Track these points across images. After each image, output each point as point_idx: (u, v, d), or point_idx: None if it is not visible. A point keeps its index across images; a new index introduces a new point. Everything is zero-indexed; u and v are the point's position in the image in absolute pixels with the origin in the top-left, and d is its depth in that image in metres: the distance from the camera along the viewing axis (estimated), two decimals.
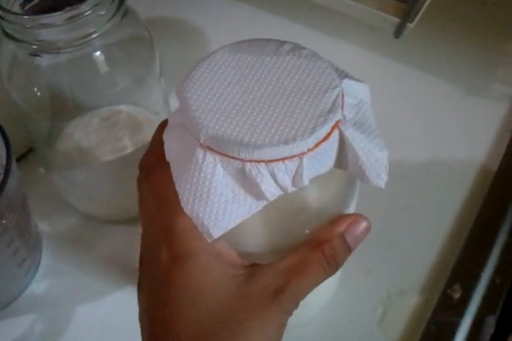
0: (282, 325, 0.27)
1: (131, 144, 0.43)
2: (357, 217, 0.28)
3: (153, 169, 0.28)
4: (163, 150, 0.27)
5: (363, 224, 0.28)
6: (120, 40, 0.37)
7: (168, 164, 0.26)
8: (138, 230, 0.30)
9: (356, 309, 0.42)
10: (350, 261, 0.37)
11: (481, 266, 0.42)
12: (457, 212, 0.46)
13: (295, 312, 0.35)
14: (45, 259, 0.44)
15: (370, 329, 0.41)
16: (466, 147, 0.50)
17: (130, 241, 0.43)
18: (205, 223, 0.24)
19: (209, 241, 0.25)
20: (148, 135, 0.39)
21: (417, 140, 0.50)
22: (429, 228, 0.45)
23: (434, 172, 0.48)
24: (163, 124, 0.28)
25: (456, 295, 0.41)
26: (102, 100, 0.41)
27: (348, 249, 0.28)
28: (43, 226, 0.45)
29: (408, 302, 0.42)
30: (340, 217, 0.28)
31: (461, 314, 0.40)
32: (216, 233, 0.24)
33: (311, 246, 0.27)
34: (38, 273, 0.43)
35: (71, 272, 0.44)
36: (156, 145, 0.28)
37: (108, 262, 0.44)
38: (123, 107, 0.43)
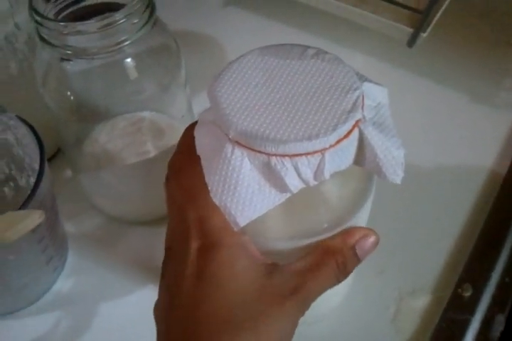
0: (295, 323, 0.28)
1: (153, 149, 0.44)
2: (368, 231, 0.30)
3: (182, 167, 0.29)
4: (190, 152, 0.28)
5: (372, 239, 0.30)
6: (149, 48, 0.39)
7: (195, 163, 0.28)
8: (161, 231, 0.31)
9: (369, 308, 0.43)
10: (364, 261, 0.38)
11: (490, 266, 0.43)
12: (467, 215, 0.47)
13: (311, 309, 0.37)
14: (71, 258, 0.45)
15: (383, 327, 0.42)
16: (475, 153, 0.51)
17: (153, 242, 0.44)
18: (233, 212, 0.26)
19: (235, 229, 0.26)
20: (170, 140, 0.40)
21: (427, 146, 0.51)
22: (440, 230, 0.46)
23: (444, 177, 0.50)
24: (190, 128, 0.30)
25: (467, 294, 0.42)
26: (128, 105, 0.43)
27: (357, 260, 0.30)
28: (69, 227, 0.46)
29: (420, 301, 0.43)
30: (353, 229, 0.30)
31: (471, 312, 0.41)
32: (242, 222, 0.26)
33: (326, 254, 0.29)
34: (64, 272, 0.45)
35: (95, 271, 0.45)
36: (184, 147, 0.30)
37: (132, 262, 0.45)
38: (146, 114, 0.45)
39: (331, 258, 0.29)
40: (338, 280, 0.29)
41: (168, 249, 0.30)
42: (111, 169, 0.45)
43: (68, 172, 0.50)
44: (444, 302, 0.42)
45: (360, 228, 0.30)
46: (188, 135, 0.29)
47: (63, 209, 0.44)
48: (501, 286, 0.42)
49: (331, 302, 0.41)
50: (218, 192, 0.26)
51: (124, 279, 0.44)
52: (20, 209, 0.35)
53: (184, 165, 0.29)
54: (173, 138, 0.45)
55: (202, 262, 0.27)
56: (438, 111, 0.54)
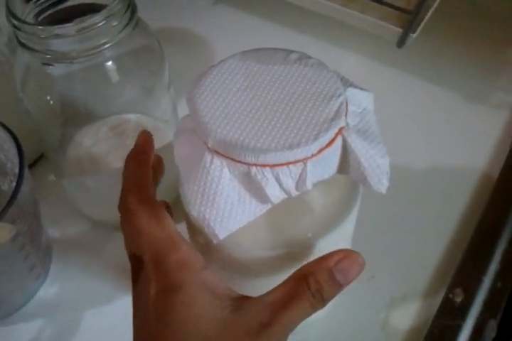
0: None
1: None
2: (348, 252, 0.27)
3: (134, 212, 0.29)
4: (140, 187, 0.28)
5: (355, 260, 0.27)
6: (131, 50, 0.38)
7: (145, 199, 0.28)
8: None
9: (360, 313, 0.42)
10: None
11: (482, 271, 0.42)
12: (459, 218, 0.46)
13: None
14: (55, 265, 0.45)
15: (374, 333, 0.41)
16: (467, 154, 0.50)
17: None
18: (211, 224, 0.25)
19: (215, 242, 0.26)
20: (156, 143, 0.39)
21: (418, 147, 0.51)
22: (431, 233, 0.46)
23: (436, 178, 0.49)
24: (131, 161, 0.30)
25: (458, 299, 0.41)
26: (112, 109, 0.42)
27: (337, 285, 0.27)
28: (53, 232, 0.46)
29: (411, 306, 0.42)
30: (331, 252, 0.27)
31: (463, 318, 0.41)
32: (222, 234, 0.25)
33: (298, 279, 0.27)
34: (48, 279, 0.44)
35: (80, 278, 0.44)
36: (131, 186, 0.29)
37: (117, 268, 0.44)
38: (131, 116, 0.44)
39: (303, 286, 0.26)
40: (315, 309, 0.27)
41: (133, 292, 0.29)
42: (95, 174, 0.44)
43: (52, 178, 0.49)
44: (435, 307, 0.42)
45: (340, 250, 0.27)
46: (131, 169, 0.29)
47: (47, 215, 0.43)
48: (493, 291, 0.42)
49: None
50: (197, 204, 0.26)
51: (109, 286, 0.44)
52: (0, 215, 0.34)
53: (136, 209, 0.29)
54: (159, 140, 0.44)
55: (162, 306, 0.26)
56: (430, 111, 0.53)
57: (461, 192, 0.48)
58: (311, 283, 0.26)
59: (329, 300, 0.27)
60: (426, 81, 0.55)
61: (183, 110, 0.45)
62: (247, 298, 0.27)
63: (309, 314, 0.26)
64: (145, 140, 0.32)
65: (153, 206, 0.28)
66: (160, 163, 0.34)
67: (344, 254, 0.27)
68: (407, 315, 0.42)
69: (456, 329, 0.40)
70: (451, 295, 0.42)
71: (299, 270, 0.27)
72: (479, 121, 0.53)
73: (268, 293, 0.26)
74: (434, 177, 0.49)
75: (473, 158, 0.50)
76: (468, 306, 0.41)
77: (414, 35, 0.47)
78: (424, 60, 0.56)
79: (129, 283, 0.43)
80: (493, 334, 0.40)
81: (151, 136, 0.33)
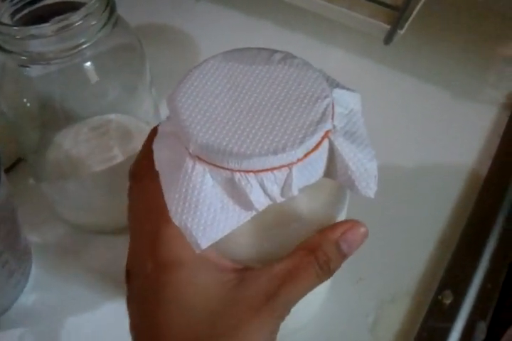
0: (274, 331, 0.26)
1: (121, 153, 0.43)
2: (353, 223, 0.28)
3: (143, 177, 0.28)
4: (153, 159, 0.27)
5: (360, 230, 0.28)
6: (110, 49, 0.37)
7: (157, 173, 0.26)
8: (128, 241, 0.29)
9: (348, 316, 0.42)
10: (342, 269, 0.37)
11: (471, 272, 0.42)
12: (447, 218, 0.46)
13: (287, 319, 0.35)
14: (35, 271, 0.44)
15: (362, 336, 0.41)
16: (455, 152, 0.50)
17: (120, 252, 0.42)
18: (194, 233, 0.24)
19: (197, 252, 0.25)
20: (139, 144, 0.39)
21: (406, 145, 0.50)
22: (420, 234, 0.45)
23: (424, 177, 0.48)
24: (154, 131, 0.28)
25: (448, 301, 0.41)
26: (92, 110, 0.41)
27: (343, 256, 0.27)
28: (32, 238, 0.45)
29: (399, 308, 0.42)
30: (336, 223, 0.28)
31: (452, 320, 0.40)
32: (204, 244, 0.24)
33: (305, 252, 0.27)
34: (28, 285, 0.43)
35: (61, 283, 0.43)
36: (147, 152, 0.28)
37: (98, 273, 0.43)
38: (113, 116, 0.43)
39: (311, 258, 0.26)
40: (321, 281, 0.27)
41: (127, 267, 0.29)
42: (76, 177, 0.43)
43: (31, 181, 0.48)
44: (424, 309, 0.41)
45: (344, 221, 0.28)
46: (152, 140, 0.28)
47: (26, 220, 0.42)
48: (483, 293, 0.41)
49: (308, 311, 0.40)
50: (178, 212, 0.24)
51: (91, 292, 0.43)
52: None
53: (145, 175, 0.28)
54: (142, 141, 0.43)
55: (161, 284, 0.26)
56: (418, 108, 0.53)
57: (450, 190, 0.47)
58: (319, 255, 0.26)
59: (335, 271, 0.27)
60: (414, 78, 0.55)
61: (165, 111, 0.44)
62: (252, 269, 0.26)
63: (315, 286, 0.27)
64: None
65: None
66: None
67: (349, 225, 0.27)
68: (396, 318, 0.41)
69: (446, 332, 0.40)
70: (440, 297, 0.41)
71: (305, 242, 0.27)
72: (468, 118, 0.52)
73: (273, 265, 0.26)
74: (422, 176, 0.48)
75: (462, 155, 0.50)
76: (457, 308, 0.41)
77: (402, 32, 0.47)
78: (412, 56, 0.56)
79: (111, 289, 0.42)
80: (482, 336, 0.40)
81: None
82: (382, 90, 0.53)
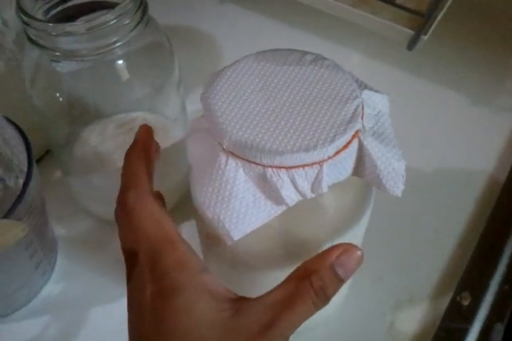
0: None
1: None
2: (348, 246, 0.26)
3: (133, 206, 0.28)
4: (136, 183, 0.28)
5: (355, 254, 0.26)
6: (141, 48, 0.38)
7: (143, 195, 0.27)
8: None
9: (366, 315, 0.42)
10: (360, 268, 0.37)
11: (489, 274, 0.42)
12: (466, 221, 0.46)
13: None
14: (60, 262, 0.44)
15: (380, 335, 0.41)
16: (474, 158, 0.50)
17: None
18: (226, 226, 0.25)
19: (229, 243, 0.25)
20: (163, 142, 0.40)
21: (426, 150, 0.50)
22: (439, 236, 0.45)
23: (443, 181, 0.49)
24: (130, 156, 0.29)
25: (465, 303, 0.41)
26: (120, 107, 0.42)
27: (339, 280, 0.26)
28: (58, 229, 0.45)
29: (417, 309, 0.42)
30: (330, 248, 0.26)
31: (470, 321, 0.40)
32: (237, 235, 0.25)
33: (299, 278, 0.26)
34: (53, 276, 0.44)
35: (85, 274, 0.44)
36: (131, 181, 0.29)
37: (123, 266, 0.43)
38: (139, 114, 0.44)
39: (306, 284, 0.25)
40: (317, 308, 0.26)
41: (128, 292, 0.28)
42: (102, 172, 0.43)
43: (58, 174, 0.49)
44: (442, 310, 0.41)
45: (340, 244, 0.26)
46: (131, 165, 0.29)
47: (53, 212, 0.43)
48: (500, 295, 0.41)
49: (325, 310, 0.40)
50: (211, 205, 0.25)
51: (115, 283, 0.43)
52: (8, 213, 0.34)
53: (136, 204, 0.28)
54: (167, 139, 0.43)
55: (159, 310, 0.25)
56: (437, 114, 0.53)
57: (469, 195, 0.48)
58: (314, 281, 0.25)
59: (331, 298, 0.26)
60: (433, 83, 0.55)
61: (192, 109, 0.45)
62: (247, 299, 0.26)
63: (312, 314, 0.26)
64: (145, 134, 0.31)
65: (152, 203, 0.28)
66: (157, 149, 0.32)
67: (343, 248, 0.26)
68: (414, 318, 0.42)
69: (463, 333, 0.40)
70: (458, 299, 0.41)
71: (299, 269, 0.26)
72: (487, 125, 0.52)
73: (268, 294, 0.26)
74: (441, 181, 0.49)
75: (480, 161, 0.50)
76: (475, 309, 0.41)
77: (426, 38, 0.47)
78: (431, 62, 0.56)
79: None
80: (499, 338, 0.40)
81: (152, 130, 0.32)
82: (401, 95, 0.53)
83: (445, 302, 0.42)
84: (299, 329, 0.39)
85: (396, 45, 0.50)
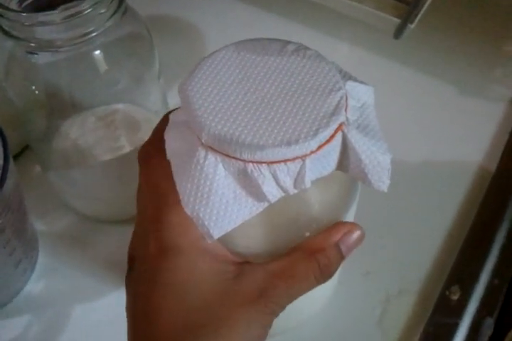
0: (266, 325, 0.26)
1: (128, 144, 0.42)
2: (352, 226, 0.28)
3: (151, 160, 0.28)
4: (163, 140, 0.26)
5: (357, 233, 0.28)
6: (119, 38, 0.37)
7: (164, 160, 0.26)
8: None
9: (355, 309, 0.41)
10: (349, 262, 0.37)
11: (479, 267, 0.42)
12: (455, 213, 0.46)
13: (294, 312, 0.35)
14: (42, 259, 0.44)
15: (369, 329, 0.41)
16: (464, 148, 0.50)
17: (127, 241, 0.43)
18: (206, 223, 0.24)
19: (209, 241, 0.24)
20: (145, 134, 0.39)
21: (414, 141, 0.50)
22: (428, 229, 0.45)
23: (432, 173, 0.48)
24: (165, 119, 0.28)
25: (455, 297, 0.41)
26: (99, 99, 0.41)
27: (341, 258, 0.28)
28: (39, 226, 0.45)
29: (407, 303, 0.42)
30: (335, 226, 0.28)
31: (459, 315, 0.40)
32: (217, 234, 0.24)
33: (305, 253, 0.27)
34: (35, 274, 0.43)
35: (68, 272, 0.43)
36: (155, 138, 0.28)
37: (105, 262, 0.43)
38: (120, 106, 0.43)
39: (312, 260, 0.26)
40: (318, 283, 0.27)
41: (129, 248, 0.29)
42: (82, 166, 0.43)
43: (37, 170, 0.48)
44: (431, 304, 0.41)
45: (344, 223, 0.28)
46: (164, 123, 0.27)
47: (33, 208, 0.42)
48: (490, 289, 0.41)
49: (315, 304, 0.40)
50: (190, 202, 0.24)
51: (97, 281, 0.43)
52: None
53: (153, 157, 0.27)
54: (149, 132, 0.42)
55: (160, 268, 0.26)
56: (426, 104, 0.52)
57: (458, 186, 0.47)
58: (320, 259, 0.26)
59: (333, 275, 0.28)
60: (421, 73, 0.54)
61: (173, 101, 0.44)
62: (250, 264, 0.27)
63: (311, 288, 0.27)
64: None
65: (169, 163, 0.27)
66: None
67: (348, 228, 0.27)
68: (403, 312, 0.41)
69: (453, 327, 0.40)
70: (447, 293, 0.41)
71: (306, 243, 0.27)
72: (476, 114, 0.52)
73: (271, 262, 0.27)
74: (430, 172, 0.48)
75: (470, 151, 0.49)
76: (464, 304, 0.41)
77: (412, 26, 0.46)
78: (420, 51, 0.55)
79: (117, 278, 0.42)
80: (489, 332, 0.40)
81: None
82: (388, 85, 0.52)
83: (434, 296, 0.41)
84: (290, 324, 0.39)
85: (383, 34, 0.49)
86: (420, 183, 0.47)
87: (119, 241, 0.43)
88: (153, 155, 0.28)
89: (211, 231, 0.24)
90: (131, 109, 0.43)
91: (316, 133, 0.24)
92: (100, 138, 0.43)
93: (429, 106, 0.52)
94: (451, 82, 0.53)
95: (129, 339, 0.28)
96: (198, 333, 0.25)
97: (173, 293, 0.26)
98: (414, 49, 0.55)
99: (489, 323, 0.40)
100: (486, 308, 0.40)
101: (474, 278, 0.41)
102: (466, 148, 0.50)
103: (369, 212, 0.42)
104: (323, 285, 0.28)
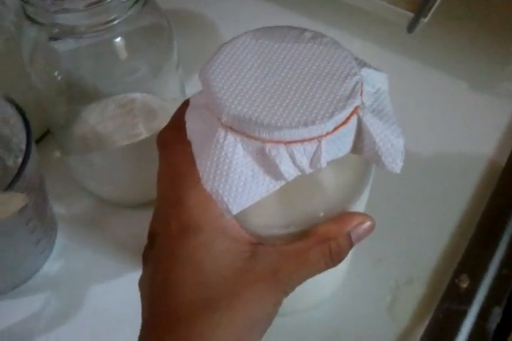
0: (277, 303, 0.28)
1: (145, 131, 0.43)
2: (364, 217, 0.29)
3: (169, 143, 0.29)
4: (181, 126, 0.27)
5: (368, 224, 0.29)
6: (140, 28, 0.38)
7: (184, 139, 0.27)
8: (150, 215, 0.30)
9: (365, 296, 0.42)
10: (361, 250, 0.37)
11: (488, 257, 0.42)
12: (465, 205, 0.46)
13: (305, 295, 0.36)
14: (60, 240, 0.45)
15: (379, 316, 0.41)
16: (474, 142, 0.50)
17: (142, 225, 0.44)
18: (225, 199, 0.25)
19: (227, 217, 0.26)
20: (162, 123, 0.40)
21: (426, 134, 0.50)
22: (439, 218, 0.46)
23: (443, 165, 0.49)
24: (187, 102, 0.29)
25: (464, 285, 0.41)
26: (118, 87, 0.42)
27: (351, 246, 0.29)
28: (58, 209, 0.46)
29: (416, 290, 0.42)
30: (349, 215, 0.29)
31: (468, 303, 0.41)
32: (235, 209, 0.25)
33: (319, 239, 0.28)
34: (53, 254, 0.44)
35: (84, 253, 0.44)
36: (175, 122, 0.29)
37: (120, 244, 0.44)
38: (138, 95, 0.44)
39: (324, 246, 0.28)
40: (328, 267, 0.29)
41: (150, 228, 0.30)
42: (101, 152, 0.43)
43: (57, 154, 0.49)
44: (440, 292, 0.42)
45: (357, 214, 0.29)
46: (183, 109, 0.28)
47: (52, 191, 0.43)
48: (499, 278, 0.41)
49: (325, 290, 0.41)
50: (210, 179, 0.25)
51: (113, 262, 0.44)
52: (6, 190, 0.34)
53: (172, 141, 0.29)
54: (165, 120, 0.43)
55: (180, 245, 0.27)
56: (437, 99, 0.53)
57: (469, 179, 0.48)
58: (332, 246, 0.28)
59: (342, 261, 0.29)
60: (433, 67, 0.55)
61: (191, 91, 0.45)
62: (264, 245, 0.28)
63: (321, 271, 0.28)
64: None
65: (189, 146, 0.28)
66: None
67: (361, 220, 0.29)
68: (413, 299, 0.42)
69: (461, 315, 0.40)
70: (456, 281, 0.42)
71: (320, 229, 0.28)
72: (486, 110, 0.52)
73: (285, 245, 0.28)
74: (441, 165, 0.49)
75: (480, 146, 0.50)
76: (473, 292, 0.41)
77: (426, 20, 0.47)
78: (431, 47, 0.56)
79: (132, 259, 0.43)
80: (497, 320, 0.40)
81: None
82: (400, 79, 0.52)
83: (444, 284, 0.42)
84: (300, 307, 0.40)
85: (396, 28, 0.50)
86: (432, 175, 0.48)
87: (135, 224, 0.44)
88: (171, 139, 0.29)
89: (230, 206, 0.25)
90: (148, 98, 0.44)
91: (332, 115, 0.25)
92: (119, 125, 0.44)
93: (441, 100, 0.53)
94: (462, 77, 0.54)
95: (144, 312, 0.29)
96: (214, 306, 0.26)
97: (192, 268, 0.27)
98: (427, 44, 0.55)
99: (497, 312, 0.40)
100: (495, 297, 0.41)
101: (483, 267, 0.42)
102: (476, 142, 0.50)
103: (382, 201, 0.43)
104: (334, 271, 0.29)
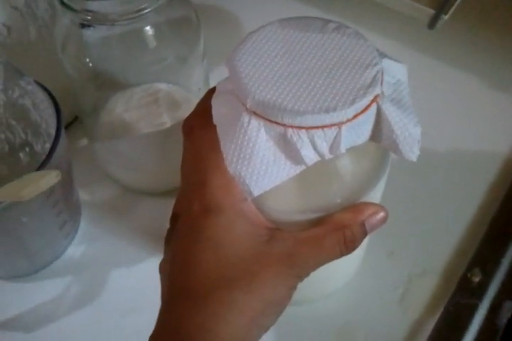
0: (292, 287, 0.28)
1: (169, 120, 0.44)
2: (378, 207, 0.30)
3: (194, 129, 0.30)
4: (206, 113, 0.28)
5: (381, 215, 0.30)
6: (169, 19, 0.39)
7: (208, 124, 0.28)
8: (172, 203, 0.32)
9: (378, 288, 0.43)
10: (374, 242, 0.38)
11: (501, 252, 0.43)
12: (481, 200, 0.47)
13: (316, 286, 0.36)
14: (84, 226, 0.46)
15: (391, 307, 0.42)
16: (491, 140, 0.51)
17: (165, 213, 0.45)
18: (247, 182, 0.26)
19: (249, 199, 0.27)
20: (185, 113, 0.41)
21: (442, 131, 0.51)
22: (453, 213, 0.46)
23: (459, 161, 0.49)
24: (212, 90, 0.30)
25: (476, 279, 0.42)
26: (146, 76, 0.43)
27: (365, 235, 0.30)
28: (83, 195, 0.47)
29: (428, 283, 0.43)
30: (364, 205, 0.30)
31: (479, 297, 0.41)
32: (256, 192, 0.26)
33: (334, 227, 0.29)
34: (76, 239, 0.45)
35: (107, 238, 0.45)
36: (201, 108, 0.30)
37: (143, 231, 0.45)
38: (163, 86, 0.45)
39: (339, 234, 0.29)
40: (342, 254, 0.29)
41: (173, 211, 0.31)
42: (126, 139, 0.45)
43: (84, 141, 0.50)
44: (452, 285, 0.42)
45: (371, 204, 0.30)
46: (209, 97, 0.29)
47: (77, 177, 0.44)
48: (511, 273, 0.42)
49: (338, 280, 0.41)
50: (233, 161, 0.26)
51: (136, 248, 0.45)
52: (38, 169, 0.35)
53: (196, 127, 0.30)
54: (189, 111, 0.44)
55: (201, 225, 0.28)
56: (455, 96, 0.53)
57: (485, 174, 0.48)
58: (347, 234, 0.29)
59: (355, 249, 0.30)
60: (452, 65, 0.55)
61: (214, 82, 0.46)
62: (281, 230, 0.29)
63: (335, 258, 0.29)
64: None
65: (213, 133, 0.29)
66: None
67: (375, 209, 0.30)
68: (425, 292, 0.42)
69: (473, 309, 0.41)
70: (469, 275, 0.42)
71: (336, 219, 0.29)
72: (504, 108, 0.53)
73: (302, 232, 0.29)
74: (457, 160, 0.49)
75: (497, 143, 0.50)
76: (485, 286, 0.42)
77: (446, 17, 0.47)
78: (451, 44, 0.56)
79: (154, 246, 0.44)
80: (508, 315, 0.41)
81: None
82: (418, 75, 0.53)
83: (456, 277, 0.43)
84: (313, 296, 0.41)
85: (416, 24, 0.50)
86: (448, 170, 0.49)
87: (158, 212, 0.45)
88: (197, 125, 0.30)
89: (251, 188, 0.26)
90: (173, 89, 0.45)
91: (352, 102, 0.26)
92: (144, 113, 0.45)
93: (458, 98, 0.53)
94: (480, 74, 0.54)
95: (163, 294, 0.30)
96: (231, 285, 0.27)
97: (211, 248, 0.28)
98: (447, 41, 0.55)
99: (508, 306, 0.41)
100: (506, 292, 0.41)
101: (496, 262, 0.42)
102: (493, 139, 0.50)
103: (397, 194, 0.43)
104: (348, 260, 0.30)
